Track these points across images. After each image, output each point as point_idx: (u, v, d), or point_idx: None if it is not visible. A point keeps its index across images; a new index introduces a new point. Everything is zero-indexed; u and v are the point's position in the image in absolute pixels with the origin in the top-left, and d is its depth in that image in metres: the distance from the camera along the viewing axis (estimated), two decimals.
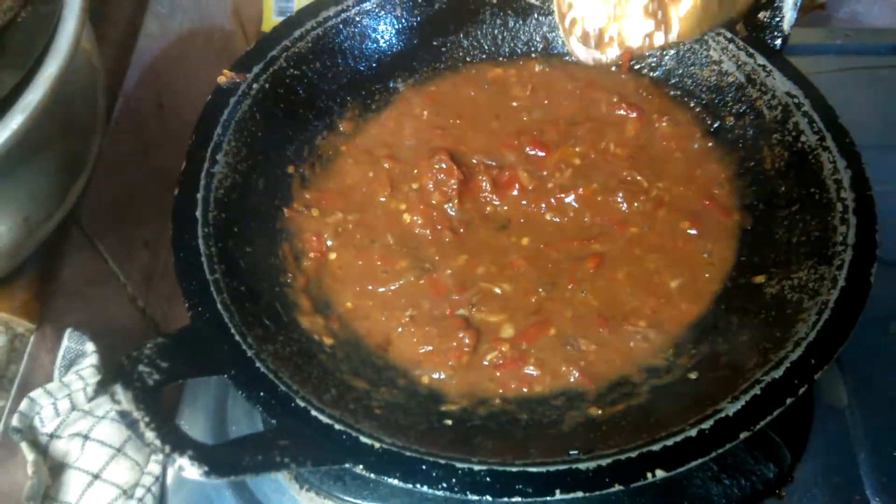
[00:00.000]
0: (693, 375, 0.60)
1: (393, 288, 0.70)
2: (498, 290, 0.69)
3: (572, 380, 0.63)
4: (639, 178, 0.75)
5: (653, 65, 0.82)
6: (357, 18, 0.81)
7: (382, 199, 0.76)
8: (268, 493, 0.69)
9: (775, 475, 0.67)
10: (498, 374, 0.64)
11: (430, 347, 0.66)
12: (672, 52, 0.80)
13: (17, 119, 0.52)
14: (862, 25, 1.48)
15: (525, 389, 0.63)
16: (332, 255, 0.72)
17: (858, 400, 0.72)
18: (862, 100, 0.95)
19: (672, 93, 0.81)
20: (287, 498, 0.69)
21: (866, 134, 0.91)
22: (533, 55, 0.86)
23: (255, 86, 0.73)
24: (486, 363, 0.65)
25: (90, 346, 0.69)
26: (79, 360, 0.69)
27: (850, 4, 1.50)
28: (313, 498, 0.68)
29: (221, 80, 0.72)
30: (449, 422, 0.59)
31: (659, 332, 0.65)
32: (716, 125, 0.77)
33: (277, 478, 0.69)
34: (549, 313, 0.67)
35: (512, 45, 0.86)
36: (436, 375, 0.65)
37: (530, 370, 0.64)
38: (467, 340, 0.65)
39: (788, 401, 0.52)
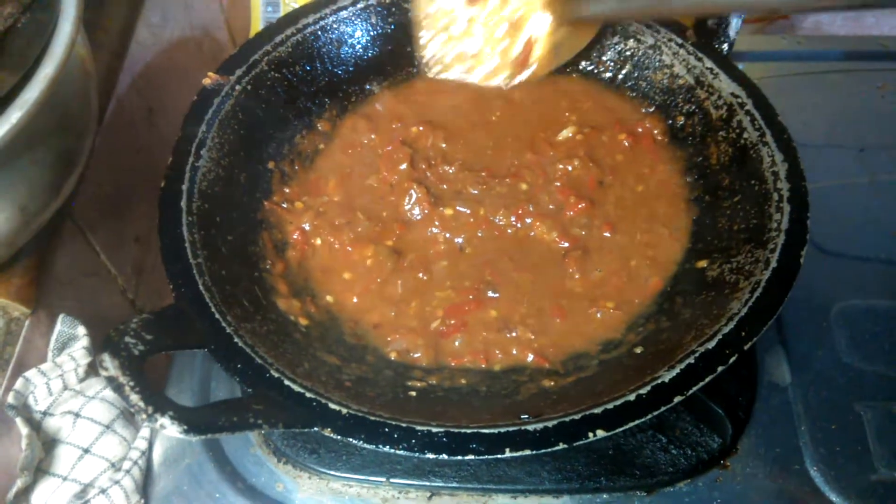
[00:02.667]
0: (638, 350, 0.65)
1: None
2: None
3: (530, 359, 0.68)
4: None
5: (611, 69, 0.87)
6: (334, 25, 0.86)
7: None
8: (248, 466, 0.73)
9: (719, 446, 0.72)
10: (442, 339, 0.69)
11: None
12: (630, 59, 0.86)
13: (15, 115, 0.56)
14: (825, 34, 1.53)
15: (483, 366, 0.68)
16: (317, 240, 0.77)
17: (801, 378, 0.77)
18: (810, 102, 1.00)
19: (629, 94, 0.86)
20: (265, 470, 0.72)
21: (812, 133, 0.96)
22: None
23: (237, 87, 0.78)
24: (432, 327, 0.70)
25: (82, 330, 0.73)
26: (71, 343, 0.73)
27: (815, 14, 1.55)
28: (290, 470, 0.72)
29: (206, 81, 0.77)
30: (413, 393, 0.64)
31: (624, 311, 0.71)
32: (668, 123, 0.83)
33: (257, 452, 0.74)
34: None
35: None
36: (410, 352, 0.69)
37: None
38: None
39: (719, 368, 0.57)
